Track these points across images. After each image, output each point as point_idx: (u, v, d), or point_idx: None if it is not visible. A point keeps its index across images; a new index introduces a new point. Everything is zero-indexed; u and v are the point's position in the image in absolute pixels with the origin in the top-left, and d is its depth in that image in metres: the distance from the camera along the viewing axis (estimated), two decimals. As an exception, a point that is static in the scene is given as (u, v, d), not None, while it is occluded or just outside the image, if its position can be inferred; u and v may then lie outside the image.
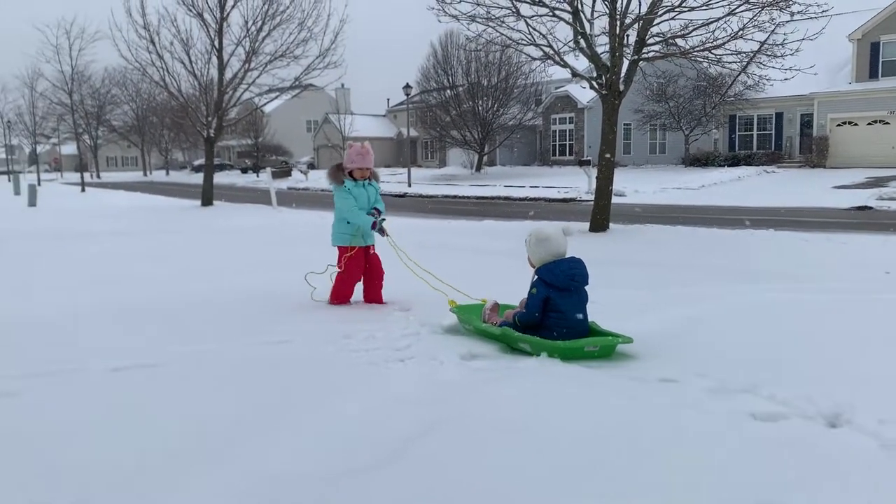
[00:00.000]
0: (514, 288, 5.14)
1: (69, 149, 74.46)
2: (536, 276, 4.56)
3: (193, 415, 3.37)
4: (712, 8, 11.78)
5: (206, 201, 23.10)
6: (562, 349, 4.26)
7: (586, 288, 4.64)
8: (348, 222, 6.09)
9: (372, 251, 6.25)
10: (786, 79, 12.88)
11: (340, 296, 6.12)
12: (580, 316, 4.51)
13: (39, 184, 37.96)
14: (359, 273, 6.18)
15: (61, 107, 45.69)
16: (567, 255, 4.62)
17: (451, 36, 40.57)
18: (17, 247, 11.13)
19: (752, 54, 13.05)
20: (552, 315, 4.45)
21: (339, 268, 6.13)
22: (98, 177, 63.20)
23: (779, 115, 34.75)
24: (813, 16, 11.89)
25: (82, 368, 4.10)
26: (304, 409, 3.41)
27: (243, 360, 4.33)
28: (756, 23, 11.78)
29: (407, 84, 35.36)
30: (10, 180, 44.40)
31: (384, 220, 6.19)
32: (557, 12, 12.42)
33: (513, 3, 12.31)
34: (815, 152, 31.34)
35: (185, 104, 23.48)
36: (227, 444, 2.97)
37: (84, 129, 57.08)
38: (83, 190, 37.05)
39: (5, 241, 11.72)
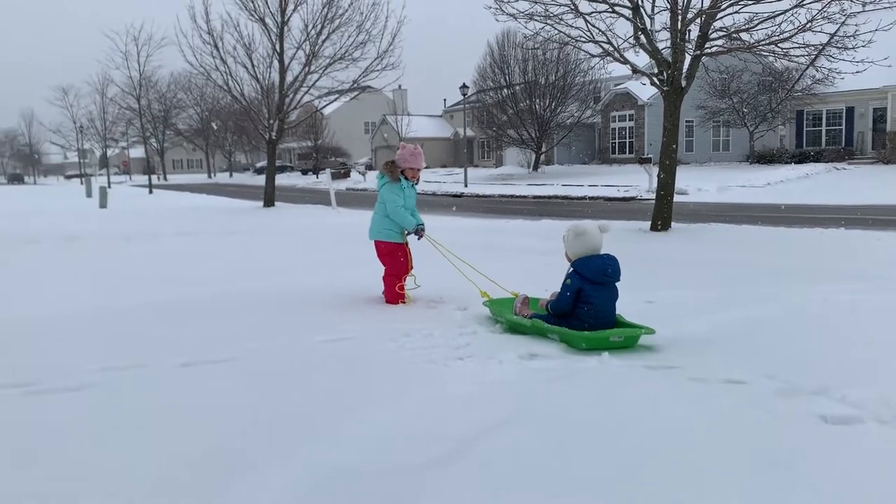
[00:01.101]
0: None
1: (137, 152, 77.09)
2: (572, 269, 4.76)
3: (260, 409, 3.46)
4: (779, 0, 11.43)
5: (268, 202, 23.57)
6: (588, 339, 4.46)
7: (617, 284, 4.80)
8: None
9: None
10: (857, 72, 12.35)
11: (396, 295, 6.16)
12: (609, 308, 4.72)
13: (110, 186, 39.40)
14: (405, 266, 6.22)
15: (130, 111, 47.30)
16: (604, 252, 4.82)
17: (507, 35, 40.44)
18: (89, 246, 11.58)
19: (821, 47, 12.60)
20: (583, 307, 4.66)
21: (386, 264, 6.23)
22: (165, 179, 65.28)
23: (850, 110, 33.45)
24: (887, 5, 11.40)
25: (154, 363, 4.25)
26: (366, 405, 3.47)
27: (308, 357, 4.43)
28: (825, 14, 11.35)
29: (463, 84, 35.41)
30: (82, 183, 46.26)
31: (422, 225, 6.27)
32: (617, 8, 12.24)
33: (571, 1, 12.19)
34: (888, 148, 30.07)
35: (248, 107, 24.02)
36: (293, 438, 3.04)
37: (151, 132, 58.98)
38: (151, 192, 38.31)
39: (78, 241, 12.20)
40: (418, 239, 6.23)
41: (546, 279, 5.76)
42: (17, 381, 3.86)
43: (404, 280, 6.24)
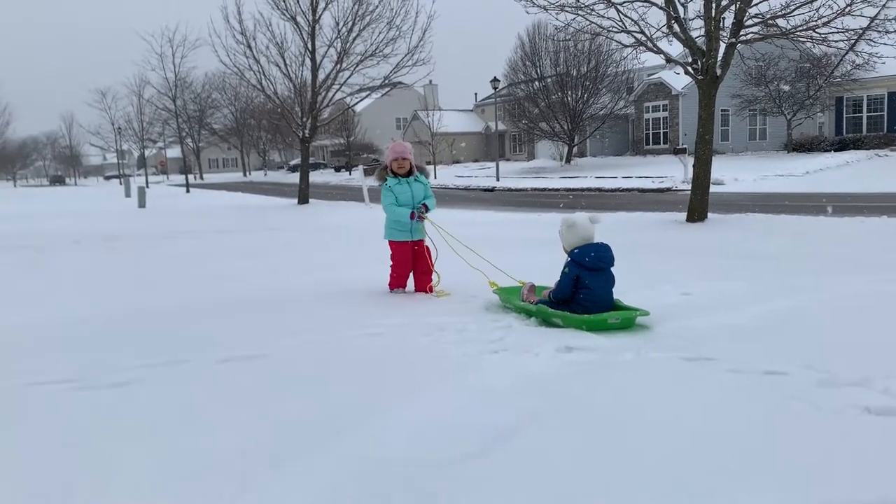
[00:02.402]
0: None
1: (174, 152, 78.39)
2: (569, 258, 5.13)
3: (295, 403, 3.50)
4: (816, -16, 11.18)
5: (303, 199, 23.82)
6: (588, 321, 4.77)
7: (612, 269, 5.12)
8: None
9: (422, 245, 6.62)
10: (899, 56, 12.06)
11: (395, 284, 6.59)
12: (606, 293, 5.03)
13: (148, 186, 40.11)
14: (407, 264, 6.56)
15: (166, 112, 48.11)
16: (596, 241, 5.16)
17: (538, 27, 40.21)
18: (130, 246, 11.83)
19: (861, 31, 12.29)
20: (582, 292, 4.99)
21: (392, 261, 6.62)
22: (201, 178, 66.24)
23: (892, 95, 32.58)
24: (929, -13, 11.09)
25: (193, 359, 4.34)
26: (403, 398, 3.50)
27: (344, 351, 4.48)
28: (865, -3, 11.10)
29: (494, 78, 35.28)
30: (121, 183, 47.18)
31: (420, 208, 6.49)
32: (649, -3, 12.10)
33: (602, -9, 12.07)
34: (933, 133, 29.24)
35: (281, 106, 24.27)
36: (330, 431, 3.08)
37: (187, 132, 59.84)
38: (188, 191, 38.92)
39: (119, 241, 12.48)
40: (413, 219, 6.41)
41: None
42: (65, 378, 3.97)
43: (404, 276, 6.62)
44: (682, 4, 12.16)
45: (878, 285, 5.97)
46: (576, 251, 5.08)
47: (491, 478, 2.61)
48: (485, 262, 6.43)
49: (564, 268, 5.12)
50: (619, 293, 5.23)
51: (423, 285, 6.56)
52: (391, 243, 6.57)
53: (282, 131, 51.41)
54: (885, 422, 2.98)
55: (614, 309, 4.98)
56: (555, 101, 39.22)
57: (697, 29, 12.67)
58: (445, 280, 6.52)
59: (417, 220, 6.41)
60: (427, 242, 6.62)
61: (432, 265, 6.57)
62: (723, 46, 12.37)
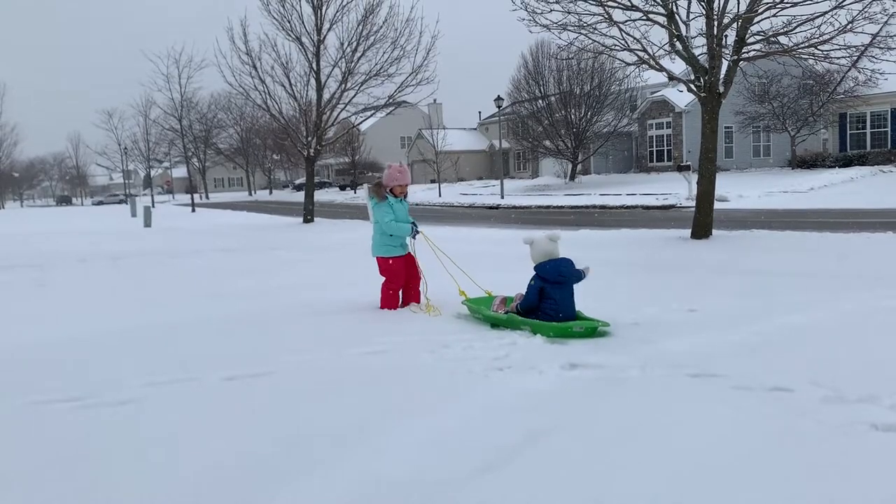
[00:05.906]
0: (618, 296, 5.07)
1: (180, 172, 78.63)
2: (534, 272, 5.53)
3: (303, 421, 3.50)
4: (817, 2, 11.23)
5: (308, 218, 23.87)
6: (555, 328, 5.17)
7: (583, 281, 5.58)
8: (390, 235, 6.59)
9: (411, 257, 6.77)
10: (902, 72, 12.09)
11: (389, 302, 6.61)
12: (568, 304, 5.43)
13: (154, 206, 40.29)
14: (402, 279, 6.68)
15: (172, 132, 48.25)
16: (561, 255, 5.59)
17: (541, 46, 40.43)
18: (135, 265, 11.86)
19: (863, 48, 12.33)
20: (547, 302, 5.41)
21: (384, 276, 6.69)
22: (207, 197, 66.45)
23: (895, 111, 32.63)
24: (931, 4, 11.14)
25: (199, 377, 4.34)
26: (408, 415, 3.49)
27: (349, 369, 4.47)
28: (867, 14, 11.15)
29: (498, 96, 35.42)
30: (126, 203, 47.37)
31: (417, 226, 6.72)
32: (651, 16, 12.16)
33: (605, 10, 12.15)
34: (937, 149, 29.17)
35: (286, 126, 24.36)
36: (334, 450, 3.08)
37: (193, 152, 59.97)
38: (193, 210, 39.05)
39: (125, 260, 12.51)
40: (413, 238, 6.66)
41: (588, 289, 5.76)
42: (69, 397, 3.98)
43: (398, 292, 6.72)
44: (684, 23, 12.22)
45: (884, 301, 5.95)
46: (540, 266, 5.51)
47: (497, 495, 2.60)
48: (463, 275, 6.56)
49: (531, 280, 5.55)
50: (628, 310, 5.30)
51: (415, 296, 6.69)
52: (385, 259, 6.65)
53: (287, 150, 51.60)
54: (892, 438, 2.96)
55: (577, 319, 5.38)
56: (558, 119, 39.34)
57: (700, 47, 12.74)
58: (440, 297, 6.53)
59: (414, 237, 6.62)
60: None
61: (420, 273, 6.72)
62: (725, 64, 12.42)
